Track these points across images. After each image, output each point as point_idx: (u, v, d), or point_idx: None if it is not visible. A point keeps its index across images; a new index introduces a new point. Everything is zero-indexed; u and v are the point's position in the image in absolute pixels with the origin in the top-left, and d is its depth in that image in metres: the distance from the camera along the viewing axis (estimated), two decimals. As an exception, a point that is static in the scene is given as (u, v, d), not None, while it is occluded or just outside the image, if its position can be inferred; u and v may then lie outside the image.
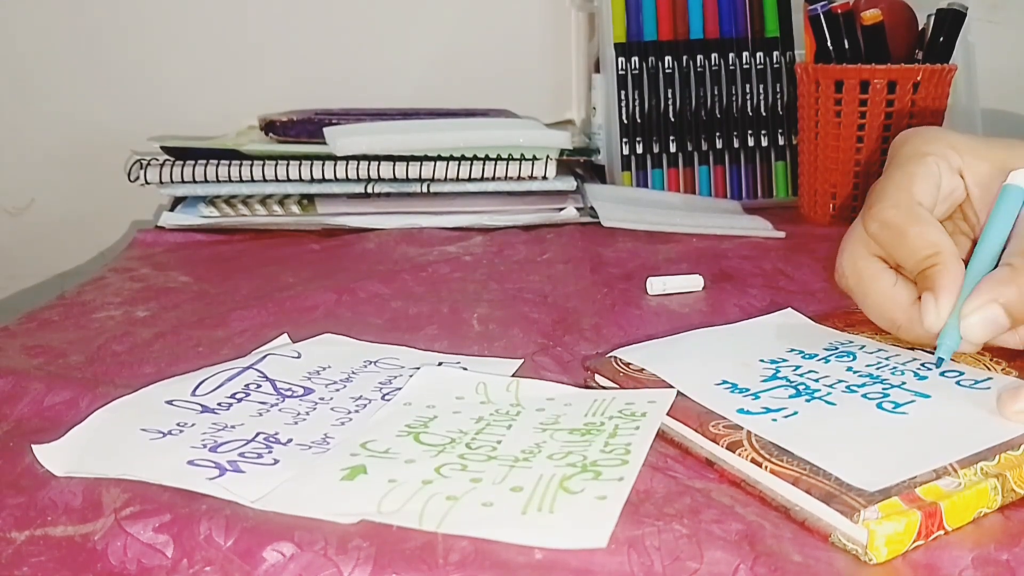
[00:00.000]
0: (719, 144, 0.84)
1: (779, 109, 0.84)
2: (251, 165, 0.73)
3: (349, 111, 0.88)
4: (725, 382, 0.38)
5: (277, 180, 0.73)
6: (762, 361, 0.40)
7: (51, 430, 0.37)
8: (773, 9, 0.85)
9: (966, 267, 0.38)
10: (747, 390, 0.37)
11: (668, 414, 0.36)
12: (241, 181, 0.73)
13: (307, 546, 0.29)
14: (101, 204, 0.94)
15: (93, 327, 0.51)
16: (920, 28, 0.72)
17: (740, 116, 0.84)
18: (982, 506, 0.30)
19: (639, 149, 0.84)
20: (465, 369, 0.44)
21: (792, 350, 0.41)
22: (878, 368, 0.39)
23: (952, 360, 0.39)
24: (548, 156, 0.75)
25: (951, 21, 0.69)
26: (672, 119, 0.84)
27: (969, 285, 0.37)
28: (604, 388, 0.41)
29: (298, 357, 0.45)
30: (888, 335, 0.42)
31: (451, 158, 0.74)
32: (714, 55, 0.84)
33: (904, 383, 0.37)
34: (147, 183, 0.73)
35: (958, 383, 0.37)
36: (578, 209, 0.75)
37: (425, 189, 0.74)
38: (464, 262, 0.64)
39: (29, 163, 0.94)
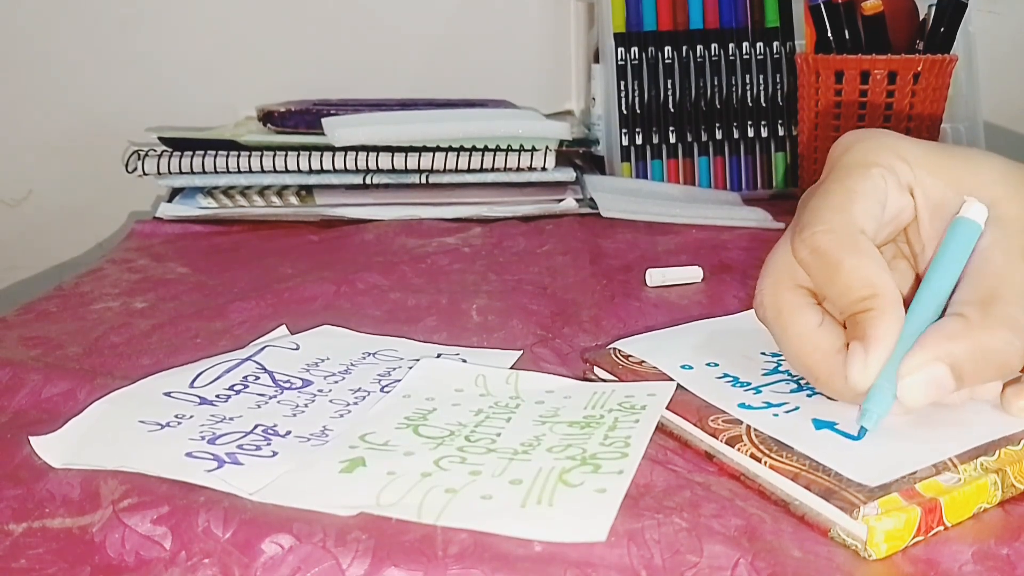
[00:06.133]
0: (719, 135, 0.84)
1: (779, 100, 0.84)
2: (249, 156, 0.73)
3: (347, 101, 0.87)
4: (726, 375, 0.38)
5: (275, 171, 0.73)
6: (763, 354, 0.40)
7: (49, 422, 0.37)
8: (773, -1, 0.84)
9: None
10: (748, 384, 0.37)
11: (668, 408, 0.36)
12: (239, 172, 0.73)
13: (306, 538, 0.29)
14: (99, 195, 0.94)
15: (91, 318, 0.51)
16: (921, 18, 0.72)
17: (740, 107, 0.84)
18: (982, 501, 0.30)
19: (639, 140, 0.83)
20: (464, 361, 0.44)
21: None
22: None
23: None
24: (547, 147, 0.75)
25: (952, 11, 0.69)
26: (672, 110, 0.83)
27: (908, 336, 0.31)
28: (603, 380, 0.40)
29: (296, 349, 0.45)
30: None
31: (450, 149, 0.74)
32: (714, 45, 0.84)
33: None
34: (145, 174, 0.73)
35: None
36: (577, 200, 0.75)
37: (424, 180, 0.74)
38: (463, 253, 0.64)
39: (27, 154, 0.93)
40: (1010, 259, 0.32)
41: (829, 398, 0.35)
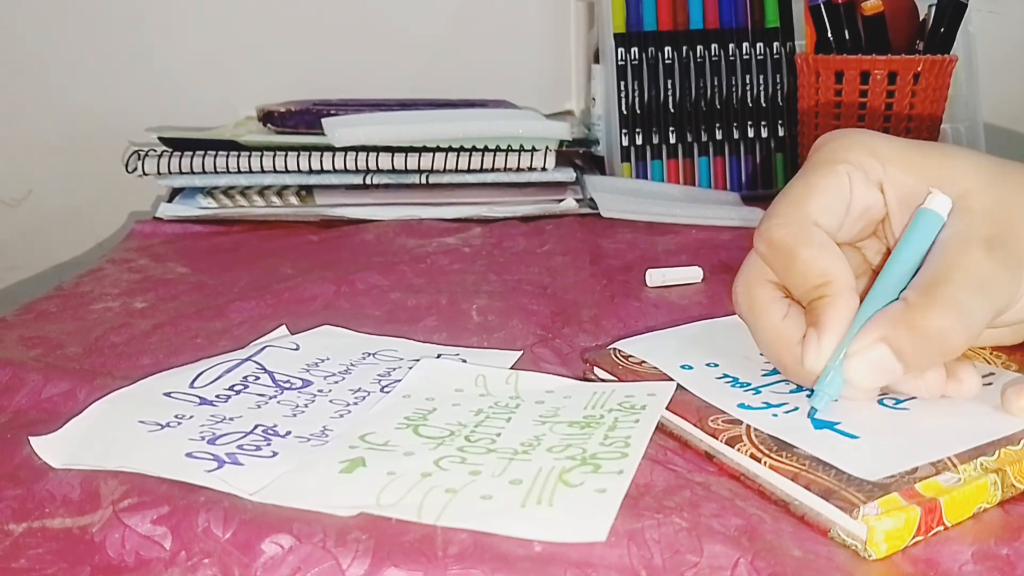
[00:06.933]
0: (719, 135, 0.84)
1: (779, 100, 0.84)
2: (249, 156, 0.73)
3: (347, 102, 0.87)
4: (726, 376, 0.38)
5: (275, 171, 0.73)
6: (763, 355, 0.40)
7: (49, 422, 0.37)
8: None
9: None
10: (748, 384, 0.37)
11: (668, 408, 0.36)
12: (239, 172, 0.73)
13: (306, 538, 0.29)
14: (99, 195, 0.94)
15: (91, 318, 0.51)
16: (921, 19, 0.72)
17: (740, 107, 0.84)
18: (982, 501, 0.30)
19: (639, 140, 0.83)
20: (464, 361, 0.44)
21: (793, 343, 0.41)
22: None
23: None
24: (547, 147, 0.75)
25: (952, 12, 0.69)
26: (672, 110, 0.83)
27: (861, 323, 0.33)
28: (603, 381, 0.40)
29: (296, 349, 0.45)
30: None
31: (450, 149, 0.74)
32: (714, 45, 0.84)
33: (905, 377, 0.37)
34: (145, 174, 0.73)
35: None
36: (577, 200, 0.75)
37: (424, 180, 0.74)
38: (463, 253, 0.64)
39: (27, 154, 0.93)
40: (967, 246, 0.33)
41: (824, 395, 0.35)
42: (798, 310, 0.35)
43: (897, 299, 0.33)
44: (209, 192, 0.74)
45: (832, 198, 0.35)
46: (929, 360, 0.33)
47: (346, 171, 0.73)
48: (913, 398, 0.35)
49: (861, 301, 0.34)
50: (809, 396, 0.36)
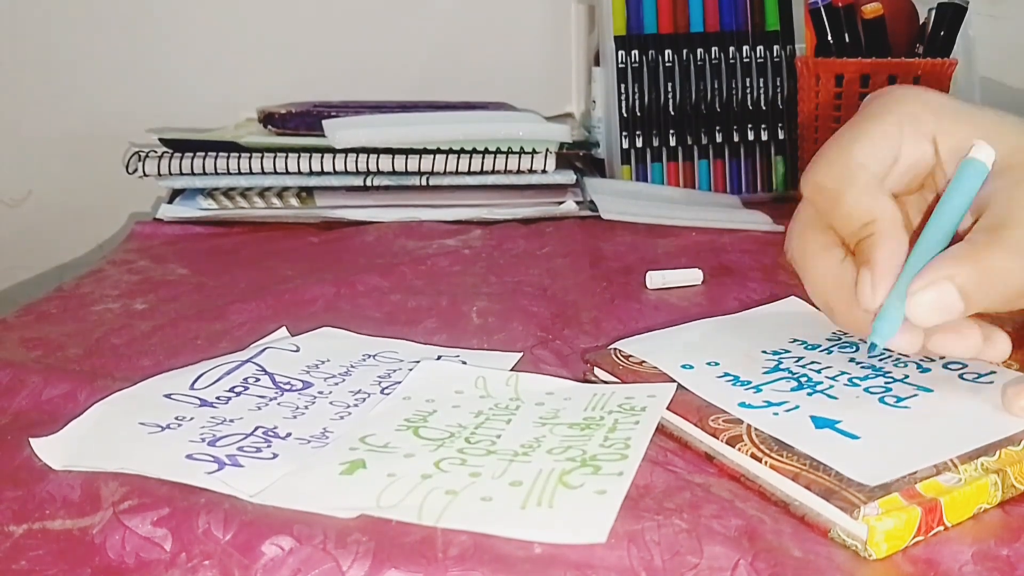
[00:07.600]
0: (719, 138, 0.84)
1: (779, 103, 0.84)
2: (250, 157, 0.73)
3: (348, 103, 0.87)
4: (727, 374, 0.38)
5: (276, 173, 0.73)
6: (764, 352, 0.40)
7: (49, 423, 0.37)
8: (773, 2, 0.84)
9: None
10: (749, 383, 0.37)
11: (668, 408, 0.36)
12: (240, 173, 0.73)
13: (306, 540, 0.29)
14: (99, 196, 0.94)
15: (91, 320, 0.51)
16: (921, 22, 0.72)
17: (740, 110, 0.84)
18: (982, 502, 0.30)
19: (639, 143, 0.83)
20: (464, 363, 0.44)
21: (795, 340, 0.41)
22: (881, 360, 0.39)
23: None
24: (548, 149, 0.75)
25: (952, 15, 0.69)
26: (672, 113, 0.83)
27: (915, 264, 0.33)
28: (603, 382, 0.40)
29: (297, 351, 0.45)
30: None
31: (450, 151, 0.74)
32: (714, 48, 0.84)
33: (907, 376, 0.37)
34: (145, 175, 0.73)
35: (961, 377, 0.37)
36: (577, 203, 0.75)
37: (424, 182, 0.74)
38: (463, 255, 0.64)
39: (27, 155, 0.93)
40: (1021, 192, 0.33)
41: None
42: (853, 260, 0.35)
43: (959, 243, 0.33)
44: (209, 193, 0.74)
45: (880, 146, 0.35)
46: (993, 300, 0.33)
47: (346, 173, 0.73)
48: (914, 396, 0.35)
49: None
50: (810, 395, 0.36)
